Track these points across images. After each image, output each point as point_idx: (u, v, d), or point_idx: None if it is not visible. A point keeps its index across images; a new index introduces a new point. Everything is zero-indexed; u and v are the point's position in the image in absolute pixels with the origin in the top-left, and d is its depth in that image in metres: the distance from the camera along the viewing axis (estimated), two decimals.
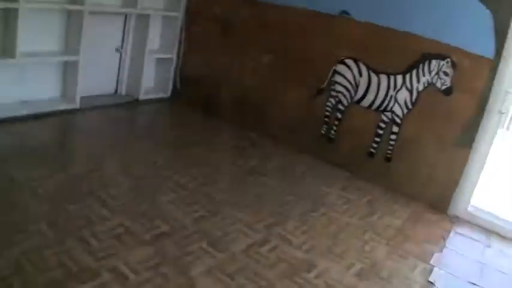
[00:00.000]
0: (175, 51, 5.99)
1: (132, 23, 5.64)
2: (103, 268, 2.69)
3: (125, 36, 5.69)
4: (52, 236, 2.88)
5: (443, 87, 4.25)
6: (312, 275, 3.07)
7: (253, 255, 3.13)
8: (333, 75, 4.85)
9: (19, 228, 2.90)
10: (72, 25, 4.95)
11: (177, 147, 4.76)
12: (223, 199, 3.80)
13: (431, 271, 3.41)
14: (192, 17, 5.85)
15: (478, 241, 4.07)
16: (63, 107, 5.00)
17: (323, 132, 5.00)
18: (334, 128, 4.92)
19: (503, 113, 4.18)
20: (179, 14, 5.85)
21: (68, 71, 5.08)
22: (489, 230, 4.26)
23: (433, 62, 4.29)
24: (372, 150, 4.71)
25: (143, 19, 5.57)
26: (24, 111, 4.63)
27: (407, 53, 4.41)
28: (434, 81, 4.30)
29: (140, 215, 3.32)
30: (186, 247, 3.07)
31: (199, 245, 3.12)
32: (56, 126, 4.77)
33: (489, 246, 4.02)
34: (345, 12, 4.72)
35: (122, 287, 2.58)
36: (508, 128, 8.90)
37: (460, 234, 4.12)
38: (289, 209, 3.86)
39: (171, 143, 4.88)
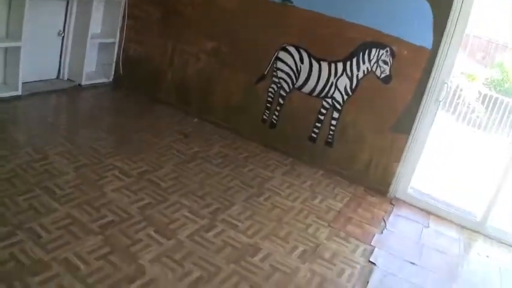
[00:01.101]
0: (118, 35, 5.91)
1: (74, 6, 5.52)
2: (54, 260, 2.70)
3: (67, 20, 5.57)
4: (2, 230, 2.86)
5: (383, 76, 4.42)
6: (257, 258, 3.19)
7: (200, 241, 3.21)
8: (275, 62, 4.94)
9: None
10: (14, 11, 4.80)
11: (120, 134, 4.74)
12: (168, 186, 3.85)
13: (372, 252, 3.59)
14: (134, 0, 5.77)
15: (417, 222, 4.31)
16: (4, 94, 4.87)
17: (265, 117, 5.09)
18: (276, 113, 5.02)
19: (440, 102, 4.37)
20: None
21: (10, 57, 4.95)
22: (428, 211, 4.51)
23: (373, 50, 4.44)
24: (313, 135, 4.85)
25: (86, 3, 5.46)
26: None
27: (348, 42, 4.55)
28: (373, 69, 4.46)
29: (87, 204, 3.33)
30: (134, 235, 3.11)
31: (146, 232, 3.17)
32: None
33: (427, 227, 4.26)
34: (288, 0, 4.79)
35: (73, 277, 2.61)
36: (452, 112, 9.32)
37: (400, 215, 4.34)
38: (233, 195, 3.95)
39: (113, 130, 4.84)
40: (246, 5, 5.01)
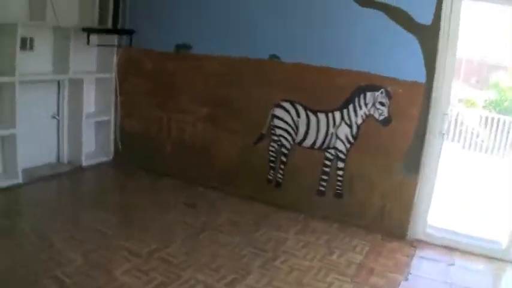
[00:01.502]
0: (112, 112, 5.91)
1: (65, 88, 5.53)
2: None
3: (60, 102, 5.57)
4: None
5: (381, 118, 4.36)
6: None
7: None
8: (272, 120, 4.89)
9: None
10: (5, 97, 4.81)
11: (124, 213, 4.64)
12: (180, 262, 3.70)
13: None
14: (124, 76, 5.79)
15: (441, 261, 4.14)
16: (4, 184, 4.81)
17: (270, 177, 5.00)
18: (281, 171, 4.93)
19: (443, 134, 4.29)
20: (112, 75, 5.79)
21: (6, 146, 4.92)
22: (451, 248, 4.35)
23: (368, 94, 4.39)
24: (322, 188, 4.74)
25: (76, 83, 5.47)
26: None
27: (341, 89, 4.52)
28: (372, 112, 4.40)
29: None
30: None
31: None
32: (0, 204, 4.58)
33: (453, 264, 4.09)
34: (274, 56, 4.78)
35: None
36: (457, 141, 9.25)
37: (423, 257, 4.19)
38: (248, 262, 3.80)
39: (118, 209, 4.75)
40: (234, 66, 5.01)
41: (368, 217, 4.57)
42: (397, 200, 4.43)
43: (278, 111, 4.85)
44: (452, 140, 8.95)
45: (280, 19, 4.72)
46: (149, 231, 4.16)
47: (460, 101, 9.71)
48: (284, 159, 4.89)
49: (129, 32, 5.46)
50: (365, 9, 4.34)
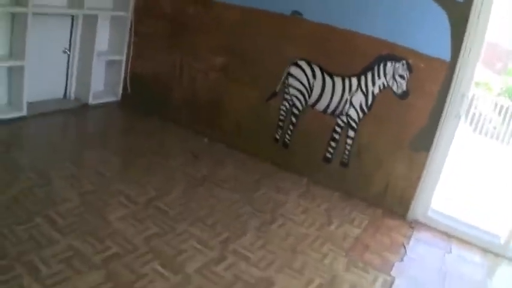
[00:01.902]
0: (125, 52, 5.77)
1: (79, 23, 5.39)
2: None
3: (73, 37, 5.45)
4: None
5: (399, 91, 4.21)
6: None
7: (209, 275, 3.01)
8: (286, 78, 4.75)
9: None
10: (16, 28, 4.70)
11: (127, 156, 4.58)
12: (176, 213, 3.65)
13: (392, 283, 3.36)
14: (140, 16, 5.63)
15: (438, 247, 4.06)
16: (8, 115, 4.75)
17: (277, 137, 4.89)
18: (289, 132, 4.82)
19: (460, 116, 4.15)
20: (128, 14, 5.63)
21: (14, 77, 4.83)
22: (449, 234, 4.26)
23: (388, 64, 4.23)
24: (328, 155, 4.64)
25: (91, 20, 5.32)
26: None
27: (362, 55, 4.34)
28: (390, 84, 4.25)
29: (90, 235, 3.15)
30: (139, 269, 2.92)
31: (151, 266, 2.98)
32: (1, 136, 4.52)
33: (450, 252, 4.01)
34: (297, 12, 4.61)
35: None
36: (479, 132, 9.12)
37: (421, 240, 4.11)
38: (244, 222, 3.75)
39: (121, 151, 4.69)
40: (254, 18, 4.82)
41: (371, 190, 4.48)
42: (403, 178, 4.33)
43: (294, 70, 4.69)
44: (465, 122, 8.81)
45: None
46: (149, 177, 4.11)
47: (477, 84, 9.51)
48: (294, 120, 4.77)
49: None
50: None
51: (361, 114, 4.43)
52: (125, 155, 4.58)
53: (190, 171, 4.42)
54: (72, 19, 5.36)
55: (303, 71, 4.65)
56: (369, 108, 4.39)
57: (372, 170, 4.46)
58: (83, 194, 3.65)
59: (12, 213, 3.21)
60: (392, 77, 4.23)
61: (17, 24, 4.68)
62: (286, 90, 4.76)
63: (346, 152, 4.54)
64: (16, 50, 4.74)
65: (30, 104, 4.90)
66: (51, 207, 3.36)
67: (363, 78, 4.37)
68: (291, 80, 4.72)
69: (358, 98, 4.42)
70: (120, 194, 3.75)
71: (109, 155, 4.46)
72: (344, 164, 4.57)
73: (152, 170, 4.27)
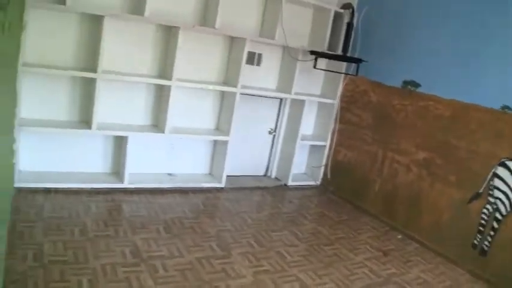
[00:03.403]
0: (329, 139, 5.82)
1: (286, 107, 5.63)
2: None
3: (279, 119, 5.69)
4: None
5: None
6: None
7: None
8: (492, 179, 4.25)
9: None
10: (225, 105, 5.11)
11: (313, 242, 4.43)
12: None
13: None
14: (347, 104, 5.67)
15: None
16: (208, 184, 5.09)
17: (476, 242, 4.34)
18: (489, 238, 4.23)
19: None
20: (335, 101, 5.71)
21: (218, 151, 5.19)
22: None
23: None
24: None
25: (298, 104, 5.54)
26: (169, 185, 4.91)
27: None
28: None
29: None
30: None
31: None
32: (197, 203, 4.79)
33: None
34: (507, 107, 4.16)
35: None
36: None
37: None
38: None
39: (308, 236, 4.55)
40: (463, 113, 4.45)
41: None
42: None
43: (501, 171, 4.17)
44: None
45: None
46: (330, 268, 3.91)
47: None
48: (496, 225, 4.18)
49: (358, 61, 5.28)
50: None
51: None
52: (311, 241, 4.44)
53: (375, 268, 4.09)
54: (280, 101, 5.61)
55: (511, 172, 4.12)
56: None
57: None
58: (258, 273, 3.60)
59: (184, 278, 3.30)
60: None
61: (226, 101, 5.08)
62: (491, 192, 4.25)
63: None
64: (223, 125, 5.13)
65: (229, 178, 5.16)
66: (224, 281, 3.38)
67: None
68: (496, 182, 4.20)
69: None
70: (296, 280, 3.60)
71: (294, 239, 4.38)
72: None
73: (335, 262, 4.05)
